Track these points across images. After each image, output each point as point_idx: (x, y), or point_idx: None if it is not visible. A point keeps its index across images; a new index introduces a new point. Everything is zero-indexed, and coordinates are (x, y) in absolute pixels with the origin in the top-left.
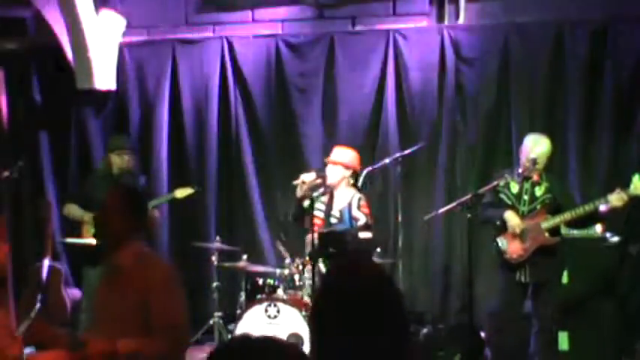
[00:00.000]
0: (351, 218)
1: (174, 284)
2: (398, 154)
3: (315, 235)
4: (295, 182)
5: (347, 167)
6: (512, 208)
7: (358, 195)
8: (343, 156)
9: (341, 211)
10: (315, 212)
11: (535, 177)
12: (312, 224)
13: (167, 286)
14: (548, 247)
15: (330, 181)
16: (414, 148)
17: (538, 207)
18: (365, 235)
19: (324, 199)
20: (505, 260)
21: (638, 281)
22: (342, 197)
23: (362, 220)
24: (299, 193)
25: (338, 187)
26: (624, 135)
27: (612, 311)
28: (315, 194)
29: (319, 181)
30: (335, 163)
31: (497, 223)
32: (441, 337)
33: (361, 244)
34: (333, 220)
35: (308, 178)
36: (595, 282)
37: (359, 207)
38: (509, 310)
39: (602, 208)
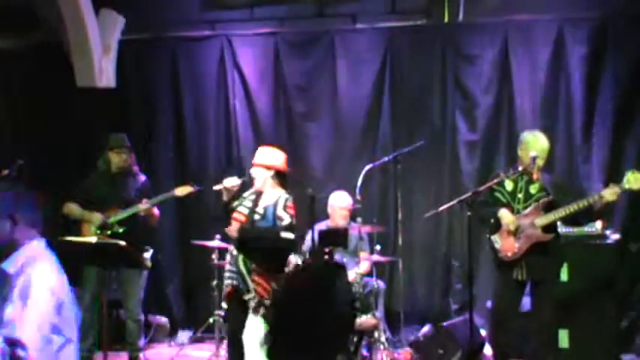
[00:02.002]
0: (275, 217)
1: (37, 297)
2: (398, 152)
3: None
4: (217, 187)
5: (268, 168)
6: (508, 206)
7: (285, 196)
8: (264, 158)
9: (265, 208)
10: (240, 208)
11: (535, 175)
12: (233, 218)
13: (26, 298)
14: (544, 245)
15: (256, 183)
16: (414, 146)
17: (533, 205)
18: (286, 235)
19: (252, 198)
20: (501, 258)
21: (638, 279)
22: (269, 197)
23: (286, 220)
24: (225, 197)
25: (264, 188)
26: (624, 132)
27: (612, 309)
28: (245, 195)
29: (239, 182)
30: (256, 165)
31: (492, 220)
32: (441, 335)
33: (281, 244)
34: (256, 217)
35: (230, 183)
36: (595, 279)
37: (285, 207)
38: (508, 308)
39: (597, 204)
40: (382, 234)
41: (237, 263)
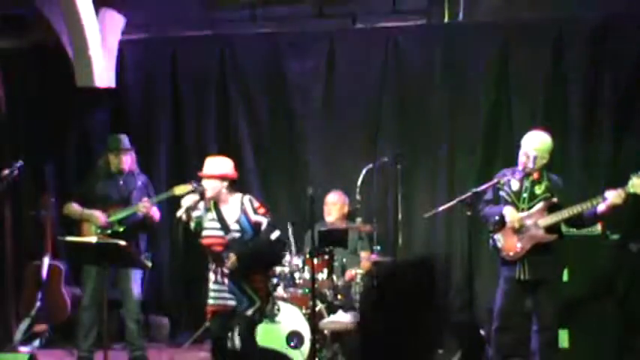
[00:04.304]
0: (252, 225)
1: None
2: (398, 152)
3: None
4: (179, 213)
5: (223, 178)
6: (512, 205)
7: (246, 198)
8: (216, 168)
9: (239, 222)
10: (210, 232)
11: (535, 175)
12: (210, 245)
13: None
14: (546, 245)
15: (209, 194)
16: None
17: (537, 205)
18: (275, 235)
19: (212, 215)
20: (503, 257)
21: (638, 279)
22: (231, 206)
23: (264, 222)
24: (184, 218)
25: (219, 199)
26: (624, 133)
27: (612, 309)
28: (197, 213)
29: (197, 198)
30: (209, 177)
31: (497, 217)
32: (441, 335)
33: (276, 246)
34: (235, 235)
35: (189, 201)
36: (595, 280)
37: (255, 211)
38: (509, 308)
39: (601, 207)
40: (382, 234)
41: (235, 282)
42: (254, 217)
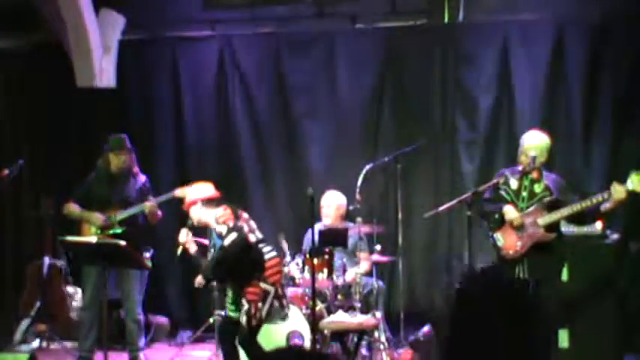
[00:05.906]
0: (219, 237)
1: None
2: (398, 152)
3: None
4: (179, 252)
5: (194, 204)
6: (512, 204)
7: (216, 212)
8: (188, 197)
9: (213, 238)
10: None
11: (534, 174)
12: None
13: None
14: (546, 244)
15: (195, 222)
16: (413, 146)
17: (536, 204)
18: (230, 239)
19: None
20: (502, 257)
21: (638, 278)
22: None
23: (224, 229)
24: (192, 251)
25: (207, 222)
26: (624, 132)
27: (612, 309)
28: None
29: (187, 230)
30: (185, 208)
31: (496, 216)
32: (441, 335)
33: (233, 249)
34: (212, 252)
35: (183, 237)
36: (595, 279)
37: (217, 222)
38: None
39: (605, 205)
40: (382, 234)
41: (224, 291)
42: (218, 229)
